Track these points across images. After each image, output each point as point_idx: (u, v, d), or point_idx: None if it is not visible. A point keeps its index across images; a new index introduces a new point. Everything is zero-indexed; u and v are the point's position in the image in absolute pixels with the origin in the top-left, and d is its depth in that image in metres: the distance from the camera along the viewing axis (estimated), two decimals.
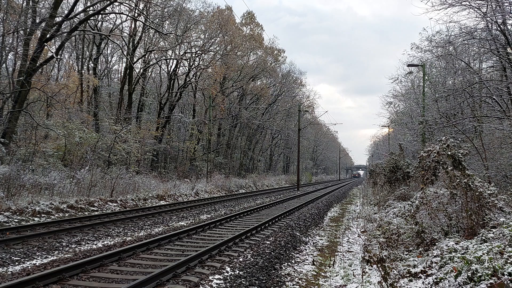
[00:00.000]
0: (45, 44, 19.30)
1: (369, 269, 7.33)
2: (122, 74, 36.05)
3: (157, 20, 28.78)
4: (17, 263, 7.35)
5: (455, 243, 6.71)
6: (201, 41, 37.51)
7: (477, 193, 7.47)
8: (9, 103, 20.91)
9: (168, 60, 36.18)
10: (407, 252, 8.08)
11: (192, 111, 43.14)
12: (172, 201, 20.95)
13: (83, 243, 9.46)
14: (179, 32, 32.39)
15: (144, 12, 28.37)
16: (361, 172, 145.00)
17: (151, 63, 34.60)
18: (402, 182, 19.49)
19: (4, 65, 23.95)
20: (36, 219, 12.56)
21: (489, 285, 4.63)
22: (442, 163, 8.21)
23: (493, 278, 4.72)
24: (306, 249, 10.05)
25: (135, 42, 31.41)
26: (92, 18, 25.97)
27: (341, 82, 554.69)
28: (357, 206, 23.04)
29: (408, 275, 6.48)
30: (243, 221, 13.75)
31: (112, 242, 9.61)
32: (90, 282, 6.22)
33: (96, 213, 14.90)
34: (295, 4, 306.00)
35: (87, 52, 32.80)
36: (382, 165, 25.41)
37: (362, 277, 7.13)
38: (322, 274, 7.83)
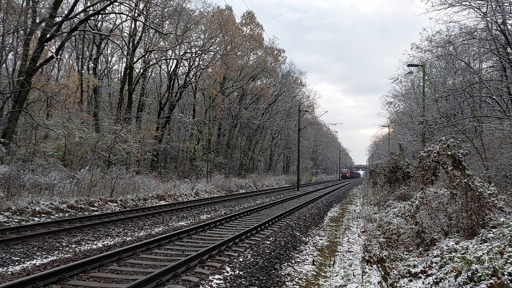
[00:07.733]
0: (45, 44, 19.30)
1: (369, 269, 7.33)
2: (122, 74, 36.08)
3: (157, 20, 28.78)
4: (17, 263, 7.35)
5: (455, 243, 6.71)
6: (201, 41, 37.54)
7: (477, 193, 7.46)
8: (9, 103, 20.92)
9: (168, 60, 36.18)
10: (407, 252, 8.07)
11: (192, 111, 43.14)
12: (172, 201, 20.94)
13: (83, 243, 9.46)
14: (179, 32, 32.38)
15: (144, 12, 28.37)
16: (361, 172, 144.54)
17: (151, 63, 34.59)
18: (402, 182, 19.48)
19: (4, 65, 23.94)
20: (36, 219, 12.56)
21: (489, 285, 4.63)
22: (442, 163, 8.21)
23: (493, 278, 4.72)
24: (306, 249, 10.05)
25: (135, 42, 31.41)
26: (92, 18, 25.97)
27: (342, 81, 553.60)
28: (357, 206, 23.03)
29: (408, 275, 6.48)
30: (243, 221, 13.75)
31: (112, 242, 9.61)
32: (90, 282, 6.22)
33: (96, 213, 14.90)
34: (297, 1, 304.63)
35: (87, 52, 32.79)
36: (382, 165, 25.40)
37: (362, 277, 7.13)
38: (322, 274, 7.83)
